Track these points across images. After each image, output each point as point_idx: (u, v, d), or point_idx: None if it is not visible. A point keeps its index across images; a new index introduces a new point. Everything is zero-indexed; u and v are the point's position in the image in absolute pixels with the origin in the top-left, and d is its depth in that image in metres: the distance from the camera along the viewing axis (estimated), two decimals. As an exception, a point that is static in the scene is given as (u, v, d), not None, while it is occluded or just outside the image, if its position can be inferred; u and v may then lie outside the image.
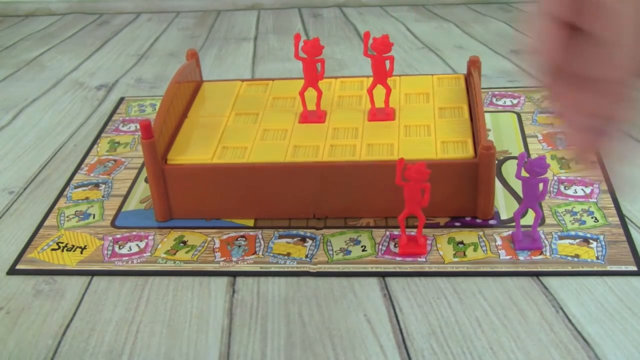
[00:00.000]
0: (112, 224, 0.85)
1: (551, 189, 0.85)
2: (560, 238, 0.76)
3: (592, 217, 0.79)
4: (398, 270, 0.73)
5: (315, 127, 0.88)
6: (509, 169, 0.90)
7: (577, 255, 0.73)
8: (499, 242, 0.77)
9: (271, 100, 0.96)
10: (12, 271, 0.78)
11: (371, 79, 0.89)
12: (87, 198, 0.91)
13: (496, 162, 0.86)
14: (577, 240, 0.76)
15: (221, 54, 1.44)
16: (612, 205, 0.81)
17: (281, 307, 0.70)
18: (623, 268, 0.71)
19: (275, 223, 0.82)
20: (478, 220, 0.80)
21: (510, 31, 1.48)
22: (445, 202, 0.79)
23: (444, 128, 0.85)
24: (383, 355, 0.63)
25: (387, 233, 0.79)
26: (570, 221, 0.79)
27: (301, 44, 0.87)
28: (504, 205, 0.83)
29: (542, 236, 0.77)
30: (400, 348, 0.63)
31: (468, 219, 0.81)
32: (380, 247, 0.77)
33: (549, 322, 0.65)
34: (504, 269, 0.72)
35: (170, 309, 0.70)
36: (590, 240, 0.76)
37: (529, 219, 0.78)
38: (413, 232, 0.77)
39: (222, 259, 0.77)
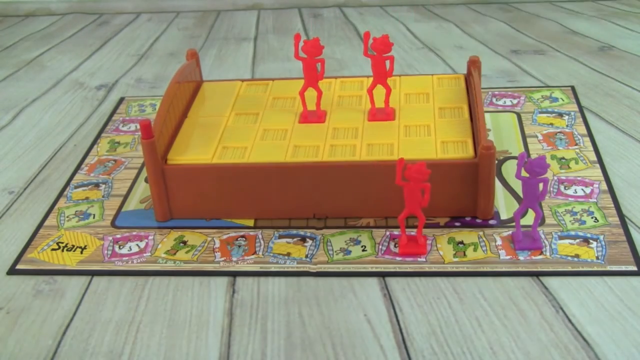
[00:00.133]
0: (112, 224, 0.85)
1: (551, 189, 0.85)
2: (560, 238, 0.76)
3: (592, 217, 0.79)
4: (398, 270, 0.73)
5: (315, 127, 0.88)
6: (509, 169, 0.90)
7: (577, 255, 0.73)
8: (499, 242, 0.77)
9: (271, 100, 0.96)
10: (12, 271, 0.78)
11: (371, 79, 0.89)
12: (87, 198, 0.91)
13: (496, 162, 0.86)
14: (577, 240, 0.76)
15: (221, 54, 1.44)
16: (612, 205, 0.81)
17: (281, 307, 0.70)
18: (623, 268, 0.71)
19: (275, 223, 0.82)
20: (478, 220, 0.80)
21: (510, 31, 1.48)
22: (445, 202, 0.79)
23: (444, 128, 0.85)
24: (383, 355, 0.63)
25: (387, 233, 0.79)
26: (570, 221, 0.79)
27: (301, 44, 0.87)
28: (504, 205, 0.83)
29: (542, 236, 0.77)
30: (400, 348, 0.63)
31: (468, 219, 0.81)
32: (380, 247, 0.77)
33: (549, 322, 0.65)
34: (504, 269, 0.72)
35: (170, 309, 0.70)
36: (590, 240, 0.76)
37: (529, 219, 0.78)
38: (413, 232, 0.77)
39: (222, 259, 0.77)
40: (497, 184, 0.86)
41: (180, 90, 0.93)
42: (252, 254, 0.77)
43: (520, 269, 0.72)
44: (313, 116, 0.90)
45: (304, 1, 1.78)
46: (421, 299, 0.69)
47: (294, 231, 0.81)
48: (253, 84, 1.01)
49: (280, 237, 0.80)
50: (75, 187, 0.93)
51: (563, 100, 1.09)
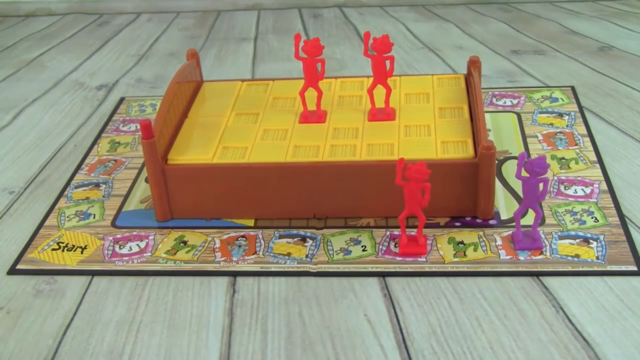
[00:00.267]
0: (113, 224, 0.85)
1: (551, 189, 0.85)
2: (561, 238, 0.76)
3: (592, 217, 0.79)
4: (398, 270, 0.74)
5: (316, 127, 0.88)
6: (509, 169, 0.90)
7: (577, 255, 0.73)
8: (499, 242, 0.77)
9: (271, 100, 0.96)
10: (13, 271, 0.78)
11: (371, 79, 0.89)
12: (87, 198, 0.91)
13: (496, 162, 0.86)
14: (577, 240, 0.76)
15: (221, 54, 1.44)
16: (612, 205, 0.81)
17: (281, 307, 0.70)
18: (623, 268, 0.71)
19: (276, 223, 0.82)
20: (478, 220, 0.80)
21: (510, 31, 1.48)
22: (446, 202, 0.79)
23: (444, 128, 0.85)
24: (383, 355, 0.63)
25: (387, 233, 0.79)
26: (570, 221, 0.79)
27: (301, 44, 0.87)
28: (504, 205, 0.83)
29: (542, 236, 0.77)
30: (401, 348, 0.63)
31: (468, 219, 0.81)
32: (380, 247, 0.77)
33: (549, 322, 0.65)
34: (504, 269, 0.72)
35: (170, 309, 0.71)
36: (590, 240, 0.76)
37: (529, 219, 0.78)
38: (413, 232, 0.77)
39: (223, 258, 0.77)
40: (497, 184, 0.86)
41: (180, 90, 0.93)
42: (253, 254, 0.77)
43: (520, 269, 0.72)
44: (313, 116, 0.90)
45: (304, 1, 1.78)
46: (421, 299, 0.69)
47: (294, 231, 0.81)
48: (253, 84, 1.01)
49: (280, 237, 0.80)
50: (76, 187, 0.94)
51: (563, 101, 1.09)
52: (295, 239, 0.79)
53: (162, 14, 1.78)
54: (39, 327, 0.69)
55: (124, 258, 0.78)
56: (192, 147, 0.85)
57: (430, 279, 0.72)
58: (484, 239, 0.77)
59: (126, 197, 0.90)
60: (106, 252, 0.80)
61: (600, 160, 0.91)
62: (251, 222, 0.83)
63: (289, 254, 0.77)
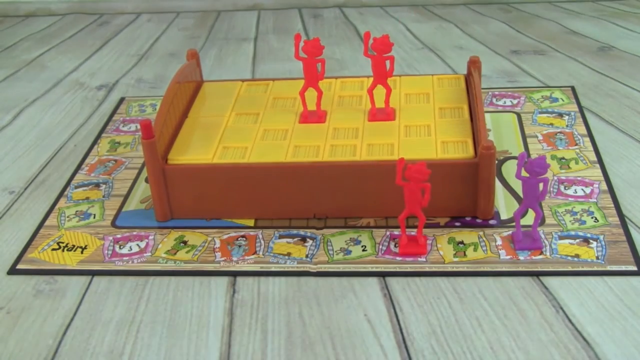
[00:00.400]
0: (113, 224, 0.85)
1: (551, 189, 0.85)
2: (560, 238, 0.76)
3: (592, 217, 0.79)
4: (398, 270, 0.74)
5: (316, 127, 0.88)
6: (509, 169, 0.90)
7: (577, 255, 0.73)
8: (499, 242, 0.77)
9: (271, 101, 0.96)
10: (13, 271, 0.78)
11: (371, 79, 0.89)
12: (87, 198, 0.91)
13: (496, 162, 0.86)
14: (577, 240, 0.76)
15: (221, 54, 1.45)
16: (612, 205, 0.81)
17: (281, 307, 0.70)
18: (623, 268, 0.71)
19: (276, 223, 0.83)
20: (478, 220, 0.80)
21: (510, 31, 1.48)
22: (445, 202, 0.79)
23: (444, 128, 0.85)
24: (383, 355, 0.63)
25: (387, 233, 0.79)
26: (570, 221, 0.79)
27: (301, 44, 0.87)
28: (504, 205, 0.83)
29: (542, 236, 0.77)
30: (401, 348, 0.63)
31: (468, 219, 0.81)
32: (380, 247, 0.77)
33: (549, 322, 0.65)
34: (504, 269, 0.72)
35: (170, 309, 0.71)
36: (590, 240, 0.76)
37: (529, 219, 0.78)
38: (413, 232, 0.77)
39: (223, 258, 0.77)
40: (497, 184, 0.86)
41: (180, 90, 0.93)
42: (253, 254, 0.77)
43: (520, 269, 0.72)
44: (313, 116, 0.90)
45: (304, 1, 1.78)
46: (421, 299, 0.69)
47: (294, 231, 0.81)
48: (253, 84, 1.01)
49: (280, 237, 0.80)
50: (76, 187, 0.94)
51: (563, 101, 1.09)
52: (295, 239, 0.79)
53: (162, 14, 1.78)
54: (39, 327, 0.69)
55: (124, 258, 0.78)
56: (192, 147, 0.85)
57: (430, 279, 0.72)
58: (484, 239, 0.77)
59: (126, 197, 0.90)
60: (106, 252, 0.80)
61: (600, 160, 0.91)
62: (251, 222, 0.83)
63: (289, 254, 0.77)
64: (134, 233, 0.83)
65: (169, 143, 0.86)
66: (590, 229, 0.77)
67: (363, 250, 0.77)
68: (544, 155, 0.72)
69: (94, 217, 0.86)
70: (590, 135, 0.97)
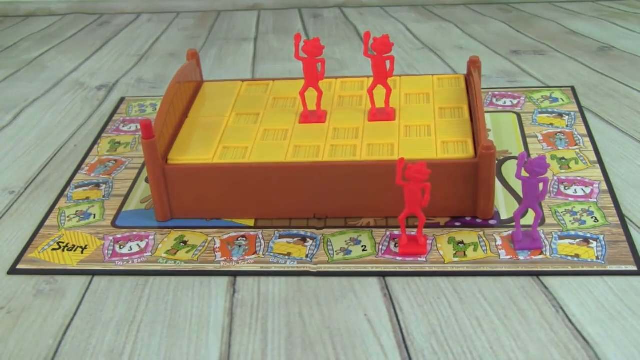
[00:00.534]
0: (113, 224, 0.85)
1: (551, 189, 0.85)
2: (560, 238, 0.76)
3: (592, 217, 0.79)
4: (398, 270, 0.74)
5: (316, 127, 0.88)
6: (509, 169, 0.90)
7: (577, 255, 0.74)
8: (499, 242, 0.77)
9: (272, 101, 0.96)
10: (13, 271, 0.78)
11: (371, 79, 0.90)
12: (87, 198, 0.91)
13: (496, 162, 0.86)
14: (577, 240, 0.76)
15: (221, 54, 1.45)
16: (612, 205, 0.81)
17: (281, 307, 0.70)
18: (623, 268, 0.71)
19: (276, 223, 0.83)
20: (478, 220, 0.80)
21: (510, 31, 1.48)
22: (446, 202, 0.79)
23: (444, 128, 0.85)
24: (383, 355, 0.63)
25: (388, 233, 0.79)
26: (570, 221, 0.79)
27: (301, 44, 0.87)
28: (504, 205, 0.83)
29: (542, 236, 0.77)
30: (401, 347, 0.63)
31: (468, 219, 0.81)
32: (380, 247, 0.77)
33: (549, 321, 0.65)
34: (504, 269, 0.72)
35: (170, 308, 0.71)
36: (590, 240, 0.76)
37: (529, 219, 0.78)
38: (413, 232, 0.77)
39: (223, 258, 0.77)
40: (497, 184, 0.86)
41: (180, 90, 0.93)
42: (253, 254, 0.77)
43: (520, 269, 0.72)
44: (313, 116, 0.90)
45: (304, 1, 1.78)
46: (421, 299, 0.69)
47: (295, 231, 0.81)
48: (253, 84, 1.02)
49: (280, 237, 0.80)
50: (76, 187, 0.94)
51: (563, 101, 1.09)
52: (296, 239, 0.80)
53: (162, 14, 1.79)
54: (39, 327, 0.69)
55: (124, 258, 0.78)
56: (193, 147, 0.85)
57: (430, 279, 0.72)
58: (484, 239, 0.77)
59: (126, 197, 0.90)
60: (106, 252, 0.80)
61: (600, 160, 0.91)
62: (251, 222, 0.83)
63: (289, 254, 0.77)
64: (134, 233, 0.83)
65: (169, 143, 0.86)
66: (590, 229, 0.77)
67: (363, 250, 0.77)
68: (544, 155, 0.72)
69: (94, 217, 0.86)
70: (590, 135, 0.97)
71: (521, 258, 0.74)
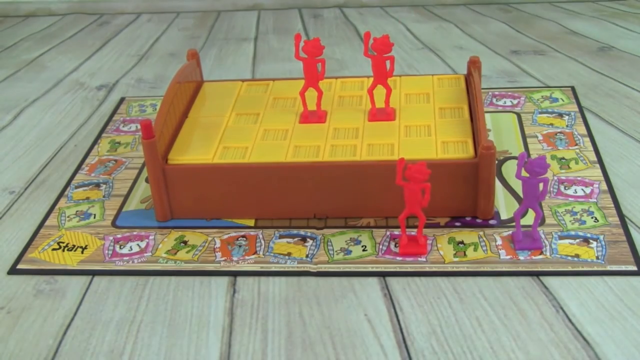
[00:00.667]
0: (113, 224, 0.85)
1: (551, 189, 0.85)
2: (560, 238, 0.76)
3: (592, 217, 0.79)
4: (398, 270, 0.74)
5: (316, 127, 0.88)
6: (509, 169, 0.90)
7: (577, 255, 0.74)
8: (499, 242, 0.77)
9: (272, 101, 0.96)
10: (13, 271, 0.78)
11: (371, 79, 0.90)
12: (87, 198, 0.91)
13: (496, 162, 0.86)
14: (577, 240, 0.76)
15: (221, 54, 1.45)
16: (612, 205, 0.81)
17: (282, 307, 0.70)
18: (623, 268, 0.71)
19: (276, 223, 0.83)
20: (478, 220, 0.80)
21: (510, 31, 1.48)
22: (446, 202, 0.79)
23: (444, 128, 0.85)
24: (383, 355, 0.63)
25: (388, 233, 0.79)
26: (570, 221, 0.79)
27: (301, 44, 0.87)
28: (504, 205, 0.83)
29: (542, 236, 0.77)
30: (401, 347, 0.63)
31: (468, 219, 0.81)
32: (380, 247, 0.77)
33: (549, 321, 0.65)
34: (504, 269, 0.72)
35: (170, 308, 0.71)
36: (590, 240, 0.76)
37: (529, 219, 0.78)
38: (413, 232, 0.77)
39: (223, 258, 0.77)
40: (497, 184, 0.86)
41: (180, 90, 0.93)
42: (253, 254, 0.77)
43: (520, 269, 0.72)
44: (313, 116, 0.90)
45: (304, 1, 1.78)
46: (421, 299, 0.69)
47: (295, 231, 0.81)
48: (253, 84, 1.02)
49: (280, 237, 0.80)
50: (76, 187, 0.94)
51: (563, 101, 1.09)
52: (296, 239, 0.80)
53: (162, 14, 1.79)
54: (39, 327, 0.69)
55: (124, 258, 0.78)
56: (193, 147, 0.85)
57: (430, 279, 0.72)
58: (484, 239, 0.77)
59: (126, 197, 0.90)
60: (106, 252, 0.80)
61: (600, 160, 0.91)
62: (251, 222, 0.83)
63: (289, 254, 0.77)
64: (134, 233, 0.83)
65: (169, 143, 0.86)
66: (590, 229, 0.77)
67: (363, 250, 0.77)
68: (544, 155, 0.72)
69: (94, 217, 0.86)
70: (590, 135, 0.97)
71: (521, 258, 0.74)
